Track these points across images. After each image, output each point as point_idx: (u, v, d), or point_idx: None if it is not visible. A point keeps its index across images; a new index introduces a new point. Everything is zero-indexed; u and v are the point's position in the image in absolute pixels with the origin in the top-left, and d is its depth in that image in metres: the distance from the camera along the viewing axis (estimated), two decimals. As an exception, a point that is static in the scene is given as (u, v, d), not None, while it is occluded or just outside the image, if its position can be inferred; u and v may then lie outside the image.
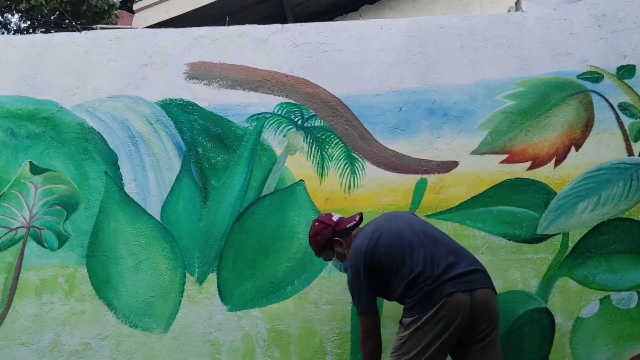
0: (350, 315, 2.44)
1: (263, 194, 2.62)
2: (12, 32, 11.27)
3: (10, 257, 2.57)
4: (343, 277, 2.48)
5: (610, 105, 2.64)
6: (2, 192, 2.67)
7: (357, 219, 2.25)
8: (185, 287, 2.51)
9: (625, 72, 2.68)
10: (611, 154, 2.57)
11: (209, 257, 2.55)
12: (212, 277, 2.52)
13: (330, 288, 2.48)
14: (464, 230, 2.51)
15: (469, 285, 1.89)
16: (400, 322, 1.98)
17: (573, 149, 2.60)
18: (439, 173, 2.60)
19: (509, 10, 4.07)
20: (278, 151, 2.68)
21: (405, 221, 2.10)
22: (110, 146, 2.72)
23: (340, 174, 2.63)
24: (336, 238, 2.20)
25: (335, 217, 2.26)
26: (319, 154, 2.67)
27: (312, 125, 2.71)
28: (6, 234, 2.60)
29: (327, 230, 2.21)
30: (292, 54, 2.83)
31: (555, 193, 2.53)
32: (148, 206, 2.62)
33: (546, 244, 2.47)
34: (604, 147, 2.58)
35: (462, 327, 1.86)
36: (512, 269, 2.45)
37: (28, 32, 10.37)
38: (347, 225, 2.21)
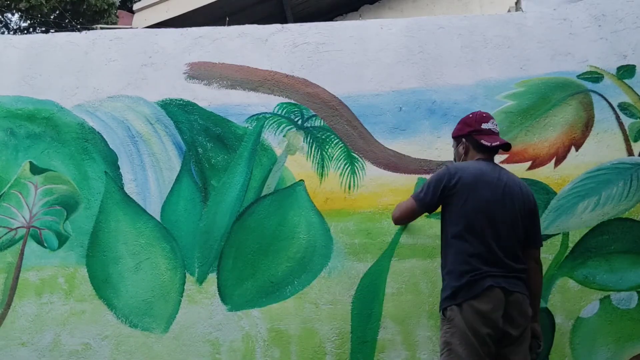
0: (350, 316, 2.44)
1: (263, 194, 2.62)
2: (13, 31, 11.28)
3: (10, 257, 2.57)
4: (343, 277, 2.48)
5: (610, 105, 2.64)
6: (2, 192, 2.67)
7: (495, 144, 2.14)
8: (185, 287, 2.51)
9: (625, 72, 2.68)
10: (611, 154, 2.57)
11: (209, 257, 2.55)
12: (212, 277, 2.52)
13: (330, 288, 2.48)
14: (464, 230, 2.50)
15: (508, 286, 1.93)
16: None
17: (573, 149, 2.60)
18: (439, 173, 2.59)
19: (509, 10, 4.07)
20: (278, 151, 2.68)
21: (503, 205, 2.03)
22: (110, 146, 2.72)
23: (340, 174, 2.63)
24: (462, 138, 2.22)
25: (491, 126, 2.19)
26: (319, 154, 2.67)
27: (312, 125, 2.71)
28: (6, 234, 2.60)
29: (465, 125, 2.22)
30: (292, 54, 2.83)
31: (555, 193, 2.53)
32: (148, 206, 2.62)
33: (546, 244, 2.46)
34: (604, 147, 2.58)
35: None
36: (512, 269, 2.45)
37: (28, 32, 10.37)
38: (481, 141, 2.14)
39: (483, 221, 1.98)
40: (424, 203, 2.13)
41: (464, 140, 2.21)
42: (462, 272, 1.95)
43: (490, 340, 1.87)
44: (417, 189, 2.25)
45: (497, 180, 2.05)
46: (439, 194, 2.07)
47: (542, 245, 2.15)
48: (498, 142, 2.15)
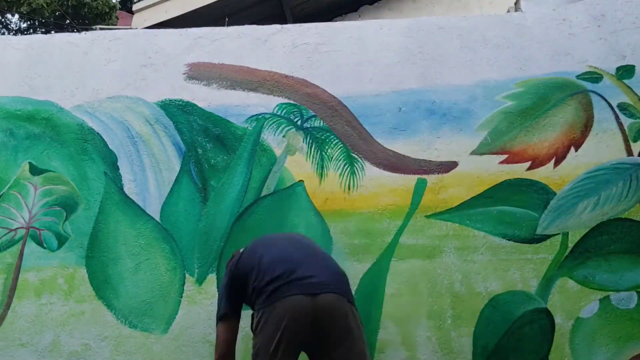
0: (350, 316, 2.43)
1: (263, 194, 2.62)
2: (13, 32, 11.27)
3: (10, 258, 2.56)
4: (343, 278, 2.48)
5: (610, 105, 2.64)
6: (1, 193, 2.67)
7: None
8: (184, 288, 2.51)
9: (624, 72, 2.68)
10: (611, 154, 2.57)
11: (209, 257, 2.55)
12: (212, 278, 2.52)
13: (329, 288, 2.47)
14: (464, 230, 2.51)
15: (313, 289, 1.82)
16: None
17: (572, 149, 2.60)
18: (438, 173, 2.60)
19: (508, 11, 4.08)
20: (277, 152, 2.68)
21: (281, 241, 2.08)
22: (110, 147, 2.72)
23: (340, 175, 2.63)
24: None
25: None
26: (318, 155, 2.67)
27: (312, 125, 2.71)
28: (6, 234, 2.60)
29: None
30: (291, 55, 2.83)
31: (554, 193, 2.53)
32: (148, 207, 2.62)
33: (546, 244, 2.47)
34: (603, 147, 2.58)
35: (303, 330, 1.79)
36: (511, 269, 2.45)
37: (28, 33, 10.37)
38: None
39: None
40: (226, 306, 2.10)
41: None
42: None
43: None
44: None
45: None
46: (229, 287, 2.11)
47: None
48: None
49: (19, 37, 3.14)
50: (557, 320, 2.39)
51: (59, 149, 2.71)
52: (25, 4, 8.99)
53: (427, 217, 2.51)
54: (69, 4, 9.45)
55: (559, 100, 2.66)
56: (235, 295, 2.04)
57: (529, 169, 2.57)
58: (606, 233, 2.47)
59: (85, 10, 9.58)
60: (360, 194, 2.59)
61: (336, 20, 5.85)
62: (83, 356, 2.44)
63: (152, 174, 2.67)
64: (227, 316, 2.04)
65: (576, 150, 2.59)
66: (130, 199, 2.63)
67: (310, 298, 1.80)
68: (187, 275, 2.52)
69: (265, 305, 1.84)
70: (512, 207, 2.53)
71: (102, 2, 9.69)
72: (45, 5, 9.12)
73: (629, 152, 2.57)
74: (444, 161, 2.61)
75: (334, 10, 6.08)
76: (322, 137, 2.69)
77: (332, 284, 1.88)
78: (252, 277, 1.94)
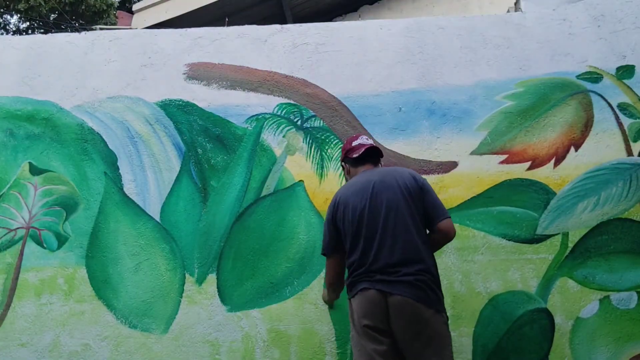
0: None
1: (263, 194, 2.62)
2: (12, 33, 11.27)
3: (10, 258, 2.56)
4: (343, 278, 2.48)
5: (610, 105, 2.64)
6: (1, 193, 2.66)
7: (362, 151, 2.16)
8: (184, 288, 2.51)
9: (624, 72, 2.68)
10: (610, 154, 2.57)
11: (209, 257, 2.55)
12: (212, 278, 2.52)
13: (330, 288, 2.47)
14: (464, 230, 2.51)
15: (388, 287, 1.85)
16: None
17: (572, 149, 2.60)
18: (438, 173, 2.60)
19: (508, 11, 4.08)
20: (277, 152, 2.68)
21: (380, 202, 1.98)
22: (110, 147, 2.72)
23: (340, 175, 2.62)
24: (342, 163, 2.27)
25: (360, 140, 2.21)
26: (318, 155, 2.67)
27: (312, 125, 2.71)
28: (5, 234, 2.60)
29: (343, 151, 2.27)
30: (291, 55, 2.83)
31: (554, 193, 2.53)
32: (147, 207, 2.62)
33: (546, 244, 2.47)
34: (603, 147, 2.59)
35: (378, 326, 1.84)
36: (512, 269, 2.45)
37: (27, 33, 10.37)
38: (352, 156, 2.18)
39: (359, 233, 1.96)
40: (328, 248, 2.10)
41: (343, 164, 2.28)
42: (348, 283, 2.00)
43: None
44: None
45: (365, 184, 2.03)
46: (334, 232, 2.07)
47: (448, 217, 1.98)
48: (363, 149, 2.16)
49: (19, 37, 3.14)
50: (557, 320, 2.39)
51: (59, 149, 2.71)
52: (22, 1, 8.98)
53: (427, 217, 2.51)
54: (67, 1, 9.44)
55: (559, 100, 2.67)
56: (336, 238, 2.08)
57: (529, 169, 2.58)
58: (606, 233, 2.47)
59: (83, 7, 9.57)
60: (360, 194, 2.59)
61: (336, 20, 5.85)
62: (83, 356, 2.44)
63: (152, 174, 2.67)
64: (327, 256, 2.11)
65: (576, 150, 2.59)
66: (130, 199, 2.63)
67: (382, 295, 1.87)
68: (187, 275, 2.52)
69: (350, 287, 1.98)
70: (512, 207, 2.53)
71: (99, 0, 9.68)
72: (42, 3, 9.11)
73: (629, 152, 2.57)
74: (444, 161, 2.61)
75: (334, 10, 6.08)
76: (322, 137, 2.69)
77: (407, 287, 1.88)
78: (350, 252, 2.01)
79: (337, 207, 2.06)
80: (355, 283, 1.93)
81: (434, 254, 1.99)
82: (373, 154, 2.19)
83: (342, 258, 2.07)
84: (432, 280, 1.88)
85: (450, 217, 1.98)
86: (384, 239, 1.91)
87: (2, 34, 10.97)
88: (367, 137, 2.26)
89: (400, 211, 1.93)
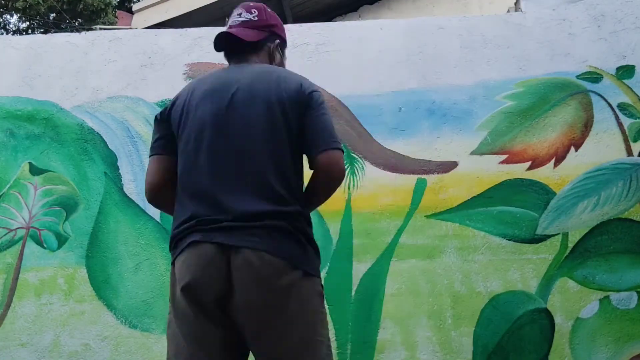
0: (350, 316, 2.43)
1: (263, 194, 2.61)
2: (11, 32, 11.27)
3: (10, 258, 2.56)
4: (342, 278, 2.48)
5: (610, 105, 2.64)
6: (1, 193, 2.66)
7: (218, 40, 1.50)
8: (184, 288, 2.50)
9: (624, 72, 2.68)
10: (610, 154, 2.57)
11: (209, 257, 2.54)
12: (212, 278, 2.51)
13: (329, 289, 2.47)
14: (464, 230, 2.51)
15: (230, 238, 1.25)
16: None
17: (572, 149, 2.60)
18: (438, 173, 2.60)
19: (508, 11, 4.08)
20: (278, 152, 2.68)
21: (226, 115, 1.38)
22: (110, 147, 2.72)
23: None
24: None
25: (231, 19, 1.59)
26: (318, 155, 2.66)
27: (312, 125, 2.71)
28: (5, 234, 2.60)
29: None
30: (291, 55, 2.83)
31: (554, 193, 2.53)
32: (148, 207, 2.62)
33: (546, 244, 2.47)
34: (603, 147, 2.59)
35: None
36: (511, 269, 2.45)
37: (27, 33, 10.37)
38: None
39: (195, 153, 1.36)
40: (157, 148, 1.51)
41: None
42: (173, 229, 1.37)
43: None
44: None
45: (226, 87, 1.41)
46: (158, 131, 1.49)
47: (334, 147, 1.42)
48: (223, 37, 1.49)
49: (19, 37, 3.13)
50: (557, 320, 2.39)
51: (59, 149, 2.71)
52: (20, 0, 8.98)
53: (427, 217, 2.51)
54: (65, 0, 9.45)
55: (559, 100, 2.67)
56: (160, 140, 1.54)
57: (529, 169, 2.58)
58: (606, 233, 2.47)
59: (81, 6, 9.57)
60: (360, 194, 2.59)
61: (336, 20, 5.85)
62: (83, 356, 2.43)
63: (152, 174, 2.67)
64: (151, 150, 1.59)
65: (576, 150, 2.59)
66: (130, 199, 2.63)
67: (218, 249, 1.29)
68: (187, 275, 2.52)
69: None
70: (512, 207, 2.53)
71: (97, -1, 9.68)
72: (41, 1, 9.11)
73: (629, 152, 2.57)
74: (444, 161, 2.61)
75: (334, 10, 6.08)
76: (322, 137, 2.68)
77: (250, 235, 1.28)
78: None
79: (170, 105, 1.47)
80: (182, 237, 1.30)
81: (322, 198, 1.55)
82: (240, 44, 1.50)
83: (175, 164, 1.44)
84: (299, 229, 1.32)
85: (339, 150, 1.41)
86: (229, 174, 1.32)
87: (2, 33, 10.97)
88: (241, 14, 1.57)
89: (263, 135, 1.35)
